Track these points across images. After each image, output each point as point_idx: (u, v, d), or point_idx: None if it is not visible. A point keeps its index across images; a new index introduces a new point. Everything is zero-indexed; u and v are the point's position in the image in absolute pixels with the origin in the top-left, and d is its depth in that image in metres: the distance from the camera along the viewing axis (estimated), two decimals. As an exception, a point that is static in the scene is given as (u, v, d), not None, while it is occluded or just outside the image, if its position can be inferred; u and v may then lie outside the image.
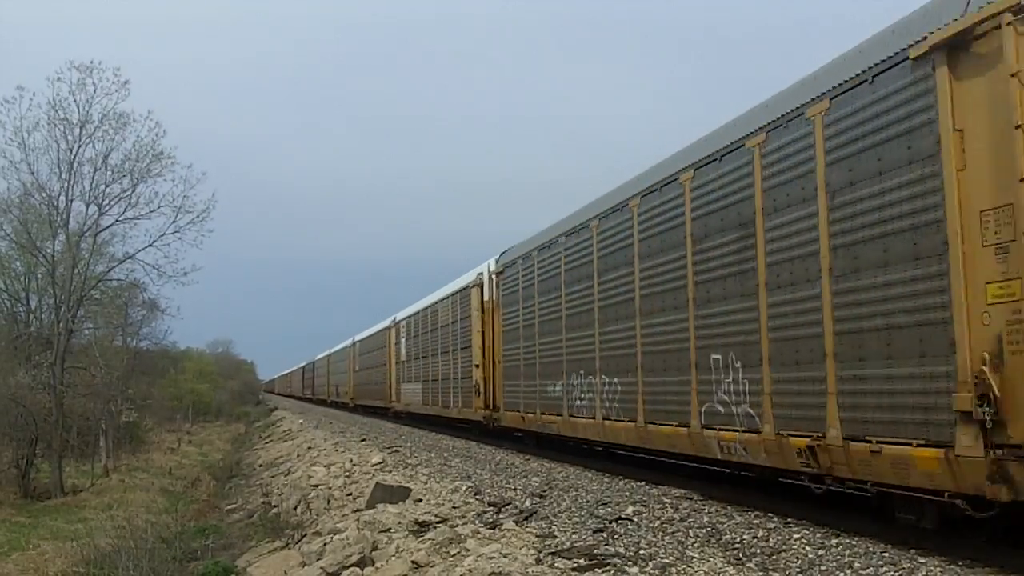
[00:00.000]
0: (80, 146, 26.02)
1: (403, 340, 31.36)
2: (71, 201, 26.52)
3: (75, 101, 25.66)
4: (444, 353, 24.13)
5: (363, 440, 22.53)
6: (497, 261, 18.92)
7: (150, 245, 27.29)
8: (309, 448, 22.94)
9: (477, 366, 19.78)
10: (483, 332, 19.74)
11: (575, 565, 6.65)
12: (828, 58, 8.17)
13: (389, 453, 17.46)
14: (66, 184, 26.26)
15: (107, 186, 26.64)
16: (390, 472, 14.16)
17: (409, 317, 30.95)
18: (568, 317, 14.35)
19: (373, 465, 15.27)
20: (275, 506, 15.01)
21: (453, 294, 23.25)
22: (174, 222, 27.02)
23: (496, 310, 18.70)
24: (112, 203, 26.84)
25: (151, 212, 26.91)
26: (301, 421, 37.56)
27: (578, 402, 13.83)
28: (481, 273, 20.22)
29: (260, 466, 25.19)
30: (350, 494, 12.97)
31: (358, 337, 45.68)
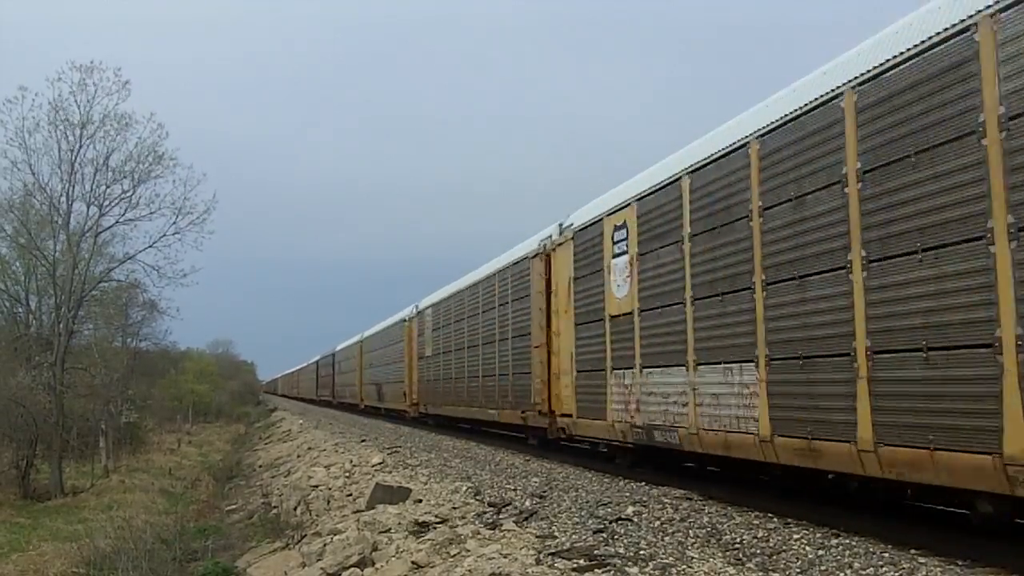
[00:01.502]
0: (81, 147, 26.22)
1: (627, 270, 11.43)
2: (72, 202, 26.73)
3: (76, 102, 25.83)
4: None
5: (363, 441, 22.53)
6: None
7: (150, 246, 27.48)
8: (309, 449, 22.94)
9: None
10: None
11: (575, 565, 6.64)
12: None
13: (389, 454, 17.45)
14: (67, 185, 26.46)
15: (108, 187, 26.86)
16: (390, 472, 14.15)
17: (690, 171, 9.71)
18: None
19: (373, 466, 15.26)
20: (275, 507, 15.01)
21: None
22: (174, 223, 27.19)
23: None
24: (113, 204, 27.05)
25: (151, 213, 27.10)
26: (301, 422, 37.56)
27: None
28: None
29: (260, 467, 25.20)
30: (350, 495, 12.96)
31: (424, 302, 27.51)
